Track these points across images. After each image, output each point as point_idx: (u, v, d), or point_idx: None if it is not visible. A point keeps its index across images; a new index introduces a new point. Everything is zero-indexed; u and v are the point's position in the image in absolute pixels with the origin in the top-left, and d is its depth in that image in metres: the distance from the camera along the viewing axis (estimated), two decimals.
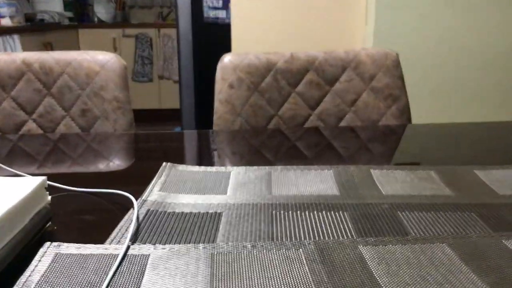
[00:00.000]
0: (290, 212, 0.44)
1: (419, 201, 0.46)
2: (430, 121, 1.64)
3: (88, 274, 0.33)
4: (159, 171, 0.54)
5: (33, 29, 3.10)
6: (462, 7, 1.56)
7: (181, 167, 0.56)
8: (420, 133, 0.78)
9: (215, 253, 0.36)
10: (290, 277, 0.33)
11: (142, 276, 0.33)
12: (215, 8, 2.26)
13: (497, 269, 0.34)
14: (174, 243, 0.38)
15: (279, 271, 0.34)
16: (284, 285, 0.32)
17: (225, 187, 0.50)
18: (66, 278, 0.33)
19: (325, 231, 0.40)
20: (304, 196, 0.48)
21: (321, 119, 0.95)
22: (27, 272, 0.33)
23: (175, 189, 0.49)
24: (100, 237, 0.39)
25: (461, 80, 1.63)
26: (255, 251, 0.37)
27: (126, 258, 0.35)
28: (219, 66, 0.93)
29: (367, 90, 0.94)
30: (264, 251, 0.37)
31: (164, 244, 0.38)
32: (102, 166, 0.59)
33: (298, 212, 0.44)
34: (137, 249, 0.37)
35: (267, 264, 0.35)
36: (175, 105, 3.83)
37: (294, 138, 0.72)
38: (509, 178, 0.52)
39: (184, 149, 0.71)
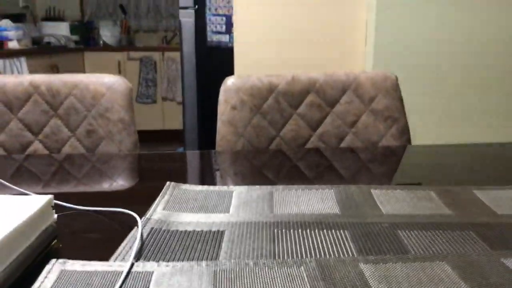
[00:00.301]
0: (291, 230, 0.45)
1: (419, 220, 0.47)
2: (430, 142, 1.66)
3: None
4: (163, 190, 0.55)
5: (40, 52, 3.16)
6: (462, 28, 1.59)
7: (184, 186, 0.57)
8: (419, 154, 0.79)
9: (218, 270, 0.37)
10: None
11: None
12: (218, 33, 2.31)
13: (496, 287, 0.34)
14: (178, 261, 0.39)
15: None
16: None
17: (227, 206, 0.51)
18: None
19: (326, 249, 0.41)
20: (306, 215, 0.48)
21: (322, 140, 0.96)
22: None
23: (179, 207, 0.50)
24: (105, 255, 0.40)
25: (461, 101, 1.65)
26: (257, 269, 0.37)
27: (130, 275, 0.36)
28: (222, 88, 0.95)
29: (367, 111, 0.96)
30: (266, 268, 0.37)
31: (168, 261, 0.39)
32: (107, 186, 0.60)
33: (300, 230, 0.45)
34: (141, 266, 0.37)
35: (269, 282, 0.35)
36: (179, 126, 3.86)
37: (296, 158, 0.73)
38: (507, 198, 0.53)
39: (187, 169, 0.72)
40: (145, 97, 3.91)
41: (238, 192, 0.55)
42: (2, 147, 0.91)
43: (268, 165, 0.69)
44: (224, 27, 2.31)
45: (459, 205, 0.51)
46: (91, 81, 0.93)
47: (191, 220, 0.47)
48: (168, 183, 0.58)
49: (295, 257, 0.39)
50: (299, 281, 0.35)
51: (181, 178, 0.64)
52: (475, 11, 1.58)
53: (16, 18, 3.53)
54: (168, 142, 3.98)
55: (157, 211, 0.49)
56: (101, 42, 4.05)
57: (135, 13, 4.28)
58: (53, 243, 0.42)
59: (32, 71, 2.89)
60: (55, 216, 0.42)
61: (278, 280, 0.35)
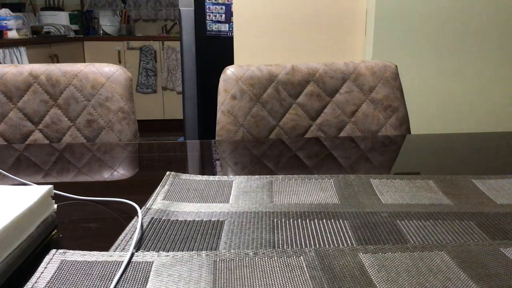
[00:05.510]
0: (291, 220, 0.45)
1: (418, 210, 0.47)
2: (429, 131, 1.65)
3: (93, 281, 0.34)
4: (163, 180, 0.55)
5: (40, 41, 3.14)
6: (462, 18, 1.58)
7: (184, 176, 0.57)
8: (419, 143, 0.79)
9: (218, 260, 0.37)
10: (291, 284, 0.34)
11: (146, 283, 0.34)
12: (218, 22, 2.30)
13: (495, 277, 0.35)
14: (178, 251, 0.39)
15: (280, 278, 0.34)
16: None
17: (227, 196, 0.51)
18: (72, 285, 0.33)
19: (325, 239, 0.41)
20: (305, 204, 0.48)
21: (321, 129, 0.96)
22: (33, 279, 0.34)
23: (179, 197, 0.50)
24: (105, 245, 0.40)
25: (459, 91, 1.64)
26: (257, 259, 0.37)
27: (130, 265, 0.36)
28: (222, 77, 0.95)
29: (367, 101, 0.95)
30: (266, 258, 0.37)
31: (168, 251, 0.39)
32: (107, 175, 0.60)
33: (299, 220, 0.45)
34: (141, 256, 0.37)
35: (268, 271, 0.35)
36: (179, 116, 3.86)
37: (295, 148, 0.73)
38: (506, 188, 0.53)
39: (187, 158, 0.72)
40: (145, 86, 3.89)
41: (238, 182, 0.55)
42: (2, 136, 0.91)
43: (267, 154, 0.69)
44: (223, 16, 2.29)
45: (458, 195, 0.51)
46: (91, 71, 0.92)
47: (191, 210, 0.47)
48: (168, 172, 0.58)
49: (294, 247, 0.40)
50: (298, 270, 0.35)
51: (181, 167, 0.64)
52: None
53: (16, 7, 3.51)
54: (168, 131, 3.98)
55: (157, 201, 0.49)
56: (101, 31, 4.03)
57: (134, 2, 4.24)
58: (53, 233, 0.42)
59: (31, 60, 2.88)
60: (55, 206, 0.42)
61: (278, 269, 0.36)
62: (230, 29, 2.29)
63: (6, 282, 0.33)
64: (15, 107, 0.91)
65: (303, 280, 0.34)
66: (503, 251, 0.38)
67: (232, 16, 2.26)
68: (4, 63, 2.66)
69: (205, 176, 0.57)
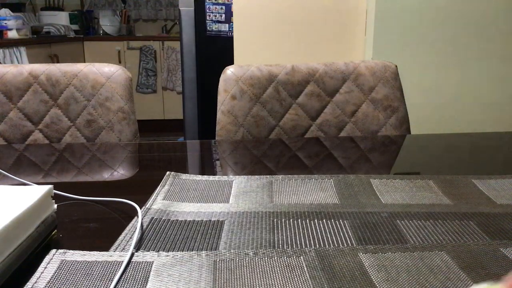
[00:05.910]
0: (291, 220, 0.45)
1: (418, 210, 0.47)
2: (429, 131, 1.65)
3: (93, 281, 0.34)
4: (163, 180, 0.55)
5: (40, 41, 3.15)
6: (462, 18, 1.58)
7: (184, 176, 0.57)
8: (419, 143, 0.79)
9: (218, 260, 0.37)
10: (291, 284, 0.34)
11: (146, 283, 0.34)
12: (218, 22, 2.30)
13: (495, 277, 0.35)
14: (178, 251, 0.39)
15: (280, 278, 0.35)
16: None
17: (227, 196, 0.51)
18: (72, 285, 0.33)
19: (325, 239, 0.41)
20: (305, 204, 0.48)
21: (321, 129, 0.96)
22: (33, 279, 0.34)
23: (179, 197, 0.50)
24: (105, 245, 0.40)
25: (459, 91, 1.64)
26: (257, 259, 0.37)
27: (130, 265, 0.36)
28: (222, 77, 0.95)
29: (367, 101, 0.95)
30: (266, 258, 0.37)
31: (168, 251, 0.39)
32: (107, 175, 0.60)
33: (299, 220, 0.45)
34: (141, 256, 0.37)
35: (268, 271, 0.35)
36: (179, 116, 3.86)
37: (295, 148, 0.73)
38: (506, 188, 0.53)
39: (187, 158, 0.72)
40: (145, 86, 3.90)
41: (238, 182, 0.55)
42: (2, 136, 0.91)
43: (267, 154, 0.69)
44: (223, 16, 2.29)
45: (458, 195, 0.51)
46: (90, 71, 0.92)
47: (191, 210, 0.47)
48: (168, 172, 0.58)
49: (294, 247, 0.40)
50: (298, 270, 0.35)
51: (181, 167, 0.64)
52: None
53: (16, 7, 3.51)
54: (168, 131, 3.98)
55: (157, 201, 0.49)
56: (101, 31, 4.03)
57: (134, 2, 4.24)
58: (53, 233, 0.42)
59: (32, 60, 2.88)
60: (55, 206, 0.42)
61: (278, 269, 0.36)
62: (230, 29, 2.29)
63: (6, 282, 0.33)
64: (15, 107, 0.91)
65: (303, 280, 0.34)
66: (503, 251, 0.38)
67: (232, 16, 2.26)
68: (4, 63, 2.66)
69: (205, 176, 0.57)
